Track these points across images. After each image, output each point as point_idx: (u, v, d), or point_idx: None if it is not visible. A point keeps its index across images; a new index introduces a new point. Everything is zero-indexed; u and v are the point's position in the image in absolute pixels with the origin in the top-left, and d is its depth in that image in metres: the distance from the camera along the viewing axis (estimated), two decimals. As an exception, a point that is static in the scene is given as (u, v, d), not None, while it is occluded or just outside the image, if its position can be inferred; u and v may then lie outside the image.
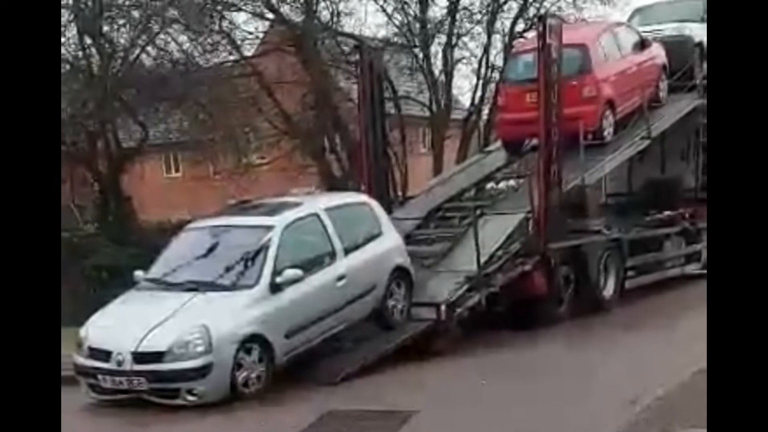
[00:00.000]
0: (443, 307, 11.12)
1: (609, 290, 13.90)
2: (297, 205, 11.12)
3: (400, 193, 19.59)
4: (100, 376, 9.34)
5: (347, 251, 10.66)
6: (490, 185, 16.17)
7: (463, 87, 28.35)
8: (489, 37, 25.35)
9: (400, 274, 11.29)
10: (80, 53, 19.97)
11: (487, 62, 25.39)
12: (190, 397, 9.11)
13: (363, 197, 12.30)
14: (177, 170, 31.51)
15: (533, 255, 12.50)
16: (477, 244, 11.69)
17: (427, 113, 25.39)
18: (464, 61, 25.54)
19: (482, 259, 11.82)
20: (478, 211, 13.18)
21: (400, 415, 8.21)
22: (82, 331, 9.76)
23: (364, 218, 11.43)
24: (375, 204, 12.00)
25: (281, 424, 8.38)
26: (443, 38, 25.15)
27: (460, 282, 11.67)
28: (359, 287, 10.70)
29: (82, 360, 9.57)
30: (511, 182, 15.62)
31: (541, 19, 13.62)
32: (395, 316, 11.15)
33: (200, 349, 9.11)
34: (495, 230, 12.71)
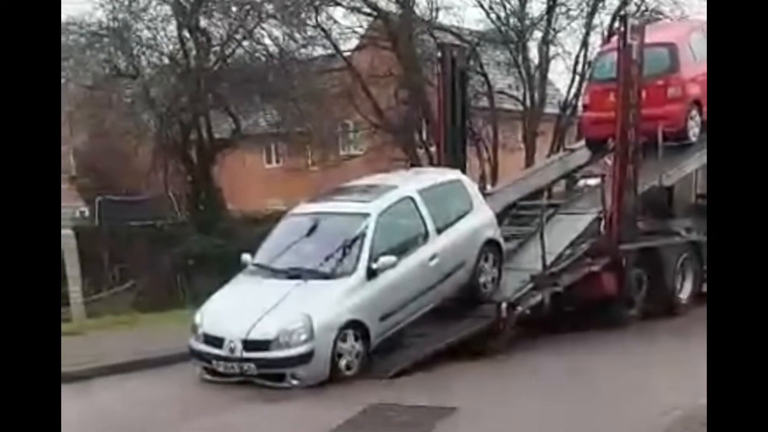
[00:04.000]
0: (504, 305, 11.12)
1: (685, 294, 13.63)
2: (392, 188, 11.37)
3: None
4: (214, 362, 9.97)
5: (439, 231, 11.02)
6: (569, 184, 15.99)
7: (560, 83, 27.98)
8: (587, 33, 25.10)
9: (490, 247, 11.56)
10: (179, 47, 20.59)
11: (585, 58, 25.10)
12: (294, 381, 9.66)
13: (456, 174, 12.52)
14: (277, 161, 32.13)
15: (603, 256, 12.36)
16: (542, 243, 11.65)
17: (521, 108, 25.27)
18: (559, 56, 25.30)
19: (550, 259, 11.78)
20: (551, 210, 13.12)
21: (441, 412, 8.31)
22: (197, 317, 10.41)
23: (456, 196, 11.72)
24: (467, 180, 12.38)
25: (327, 415, 8.52)
26: (539, 34, 25.02)
27: (524, 281, 11.66)
28: (451, 264, 11.04)
29: (197, 345, 10.23)
30: (590, 181, 15.42)
31: (623, 18, 13.43)
32: (486, 289, 11.44)
33: (303, 337, 9.63)
34: (566, 229, 12.66)
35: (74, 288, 15.11)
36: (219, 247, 18.16)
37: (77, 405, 8.90)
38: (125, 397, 9.73)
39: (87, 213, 25.12)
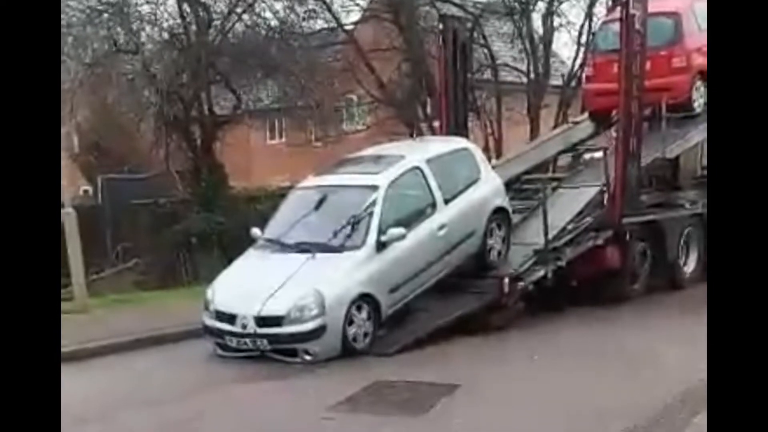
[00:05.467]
0: (506, 280, 11.06)
1: (690, 267, 13.57)
2: (399, 158, 11.37)
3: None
4: (227, 337, 10.05)
5: (448, 200, 11.07)
6: (571, 157, 15.86)
7: (565, 54, 27.70)
8: (592, 3, 24.81)
9: (498, 216, 11.61)
10: (179, 21, 20.43)
11: (589, 29, 24.84)
12: (307, 356, 9.75)
13: (463, 142, 12.56)
14: (281, 136, 31.94)
15: (606, 229, 12.30)
16: (545, 217, 11.58)
17: (526, 80, 25.03)
18: (562, 28, 25.05)
19: (552, 233, 11.73)
20: (554, 184, 13.04)
21: (443, 388, 8.27)
22: (209, 294, 10.46)
23: (464, 164, 11.77)
24: (474, 148, 12.50)
25: (328, 392, 8.47)
26: (543, 5, 24.74)
27: (527, 255, 11.60)
28: (459, 234, 11.11)
29: (210, 321, 10.29)
30: (595, 154, 15.29)
31: (625, -12, 13.24)
32: (494, 257, 11.48)
33: (314, 312, 9.71)
34: (569, 203, 12.62)
35: (76, 267, 15.07)
36: (221, 224, 18.12)
37: (81, 383, 8.98)
38: (129, 376, 9.75)
39: (90, 191, 25.09)
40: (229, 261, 11.50)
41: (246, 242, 11.29)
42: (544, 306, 11.65)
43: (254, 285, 10.19)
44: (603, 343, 9.95)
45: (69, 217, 14.84)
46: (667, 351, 9.13)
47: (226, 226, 17.84)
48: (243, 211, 18.33)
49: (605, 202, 12.48)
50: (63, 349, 9.49)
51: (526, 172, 14.28)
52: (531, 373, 8.87)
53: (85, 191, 26.00)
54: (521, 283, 11.26)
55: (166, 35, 20.47)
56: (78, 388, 8.48)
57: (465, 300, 10.92)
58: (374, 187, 10.64)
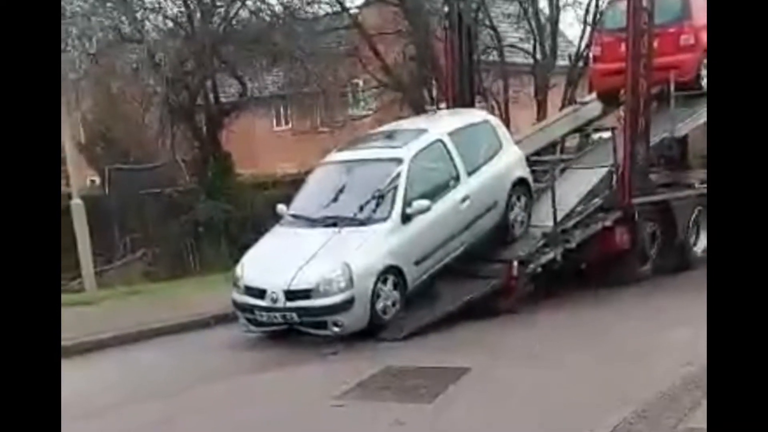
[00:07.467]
0: (515, 264, 10.99)
1: (700, 247, 13.42)
2: (422, 132, 11.45)
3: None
4: (257, 312, 10.17)
5: (470, 173, 11.16)
6: (579, 137, 15.76)
7: (572, 34, 27.49)
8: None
9: (520, 187, 11.71)
10: (183, 9, 20.35)
11: (596, 8, 24.66)
12: (336, 328, 9.88)
13: (483, 114, 12.70)
14: (287, 123, 31.85)
15: (615, 210, 12.21)
16: (553, 200, 11.52)
17: (532, 61, 24.88)
18: (569, 7, 24.87)
19: (561, 215, 11.65)
20: (562, 165, 12.94)
21: (454, 372, 8.21)
22: (238, 270, 10.60)
23: (485, 137, 11.85)
24: (494, 120, 12.65)
25: (338, 378, 8.43)
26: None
27: (536, 238, 11.52)
28: (482, 206, 11.21)
29: (239, 297, 10.41)
30: (604, 134, 15.19)
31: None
32: (516, 228, 11.57)
33: (342, 285, 9.83)
34: (577, 185, 12.52)
35: (85, 258, 15.09)
36: (229, 212, 18.10)
37: (91, 374, 9.00)
38: (141, 367, 9.77)
39: (97, 182, 25.05)
40: (239, 249, 11.45)
41: (252, 230, 11.26)
42: (553, 289, 11.56)
43: (283, 260, 10.30)
44: (610, 327, 9.87)
45: (77, 208, 14.81)
46: (678, 334, 9.01)
47: (234, 214, 17.82)
48: (250, 199, 18.29)
49: (614, 182, 12.39)
50: (75, 341, 9.70)
51: (534, 154, 14.15)
52: (537, 358, 8.76)
53: (92, 181, 25.97)
54: (530, 266, 11.18)
55: (170, 23, 20.38)
56: (90, 380, 8.53)
57: (474, 284, 10.85)
58: (399, 160, 10.73)
